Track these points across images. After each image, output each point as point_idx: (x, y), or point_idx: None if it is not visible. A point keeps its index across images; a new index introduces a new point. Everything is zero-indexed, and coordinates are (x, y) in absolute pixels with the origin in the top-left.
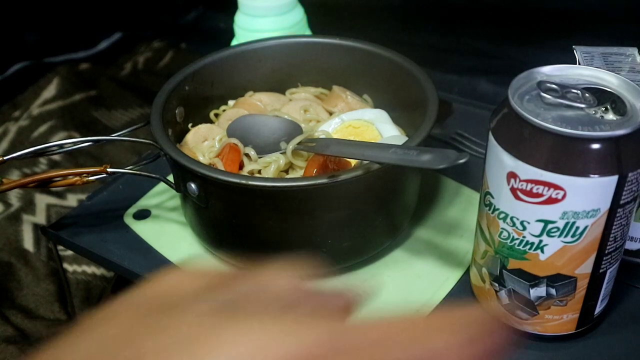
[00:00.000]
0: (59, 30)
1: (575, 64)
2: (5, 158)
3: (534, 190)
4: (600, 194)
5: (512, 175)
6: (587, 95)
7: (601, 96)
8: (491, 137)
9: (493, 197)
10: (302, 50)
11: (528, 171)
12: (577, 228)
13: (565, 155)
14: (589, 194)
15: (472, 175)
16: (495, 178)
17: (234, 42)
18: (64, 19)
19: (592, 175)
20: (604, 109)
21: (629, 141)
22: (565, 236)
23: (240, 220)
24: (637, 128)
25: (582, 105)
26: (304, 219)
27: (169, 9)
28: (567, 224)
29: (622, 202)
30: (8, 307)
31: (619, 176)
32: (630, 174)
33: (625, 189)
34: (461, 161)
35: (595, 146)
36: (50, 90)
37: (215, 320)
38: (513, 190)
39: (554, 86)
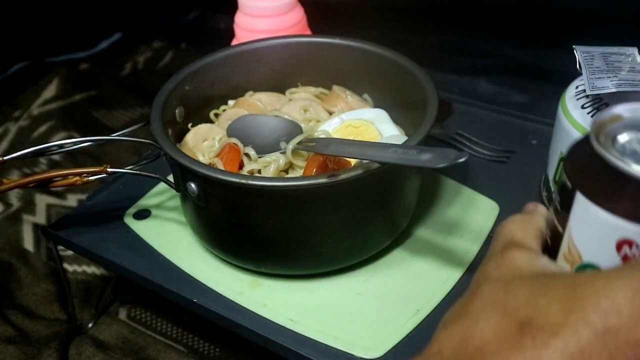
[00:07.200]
0: (59, 30)
1: (575, 64)
2: (5, 158)
3: None
4: None
5: (625, 243)
6: None
7: None
8: (584, 200)
9: (595, 267)
10: (302, 50)
11: None
12: None
13: None
14: None
15: (472, 175)
16: (596, 247)
17: (234, 42)
18: (64, 19)
19: None
20: None
21: None
22: None
23: (240, 220)
24: None
25: None
26: (304, 219)
27: (169, 9)
28: None
29: None
30: (8, 307)
31: None
32: None
33: None
34: (461, 160)
35: None
36: (50, 90)
37: None
38: (626, 259)
39: None
